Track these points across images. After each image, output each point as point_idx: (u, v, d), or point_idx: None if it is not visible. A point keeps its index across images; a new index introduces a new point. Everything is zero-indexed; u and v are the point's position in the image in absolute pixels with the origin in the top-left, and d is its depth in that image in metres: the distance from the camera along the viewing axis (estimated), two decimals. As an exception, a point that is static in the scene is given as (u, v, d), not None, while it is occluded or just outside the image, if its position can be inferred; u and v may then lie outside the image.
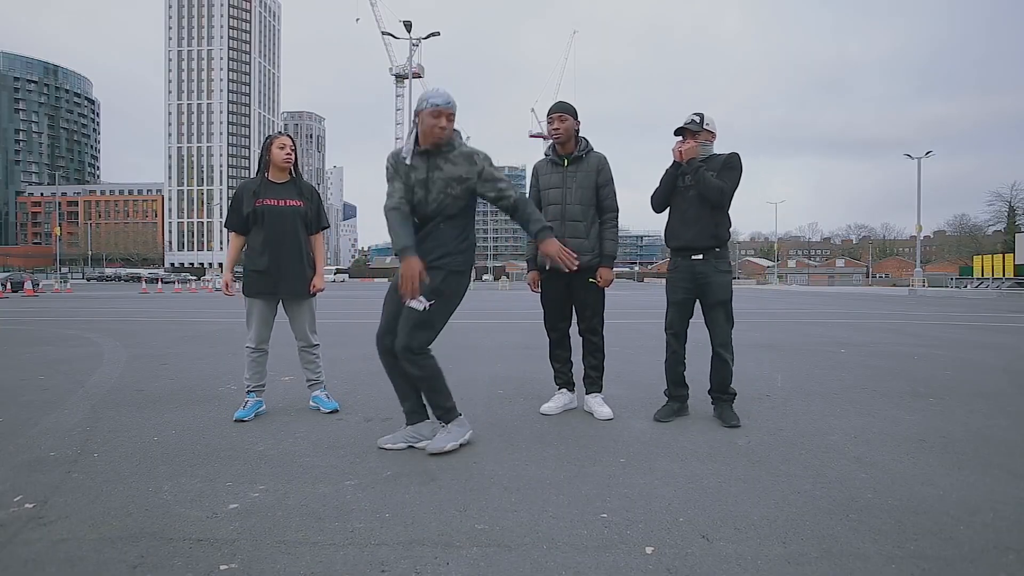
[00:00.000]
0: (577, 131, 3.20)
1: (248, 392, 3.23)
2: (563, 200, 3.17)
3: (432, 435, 2.64)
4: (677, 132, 3.17)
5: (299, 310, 3.33)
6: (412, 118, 2.57)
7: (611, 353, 5.92)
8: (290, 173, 3.28)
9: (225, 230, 3.32)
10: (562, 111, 3.15)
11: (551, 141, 3.26)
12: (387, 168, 2.63)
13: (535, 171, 3.35)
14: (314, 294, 3.34)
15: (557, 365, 3.42)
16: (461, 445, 2.61)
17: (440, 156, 2.54)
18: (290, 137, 3.29)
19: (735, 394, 3.19)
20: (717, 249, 3.11)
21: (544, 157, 3.33)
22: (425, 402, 2.65)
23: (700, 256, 3.10)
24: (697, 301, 3.19)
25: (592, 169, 3.17)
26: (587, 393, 3.35)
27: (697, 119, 3.11)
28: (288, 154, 3.21)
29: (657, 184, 3.25)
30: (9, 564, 1.60)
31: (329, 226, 3.49)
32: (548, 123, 3.20)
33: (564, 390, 3.41)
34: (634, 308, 14.38)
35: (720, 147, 3.12)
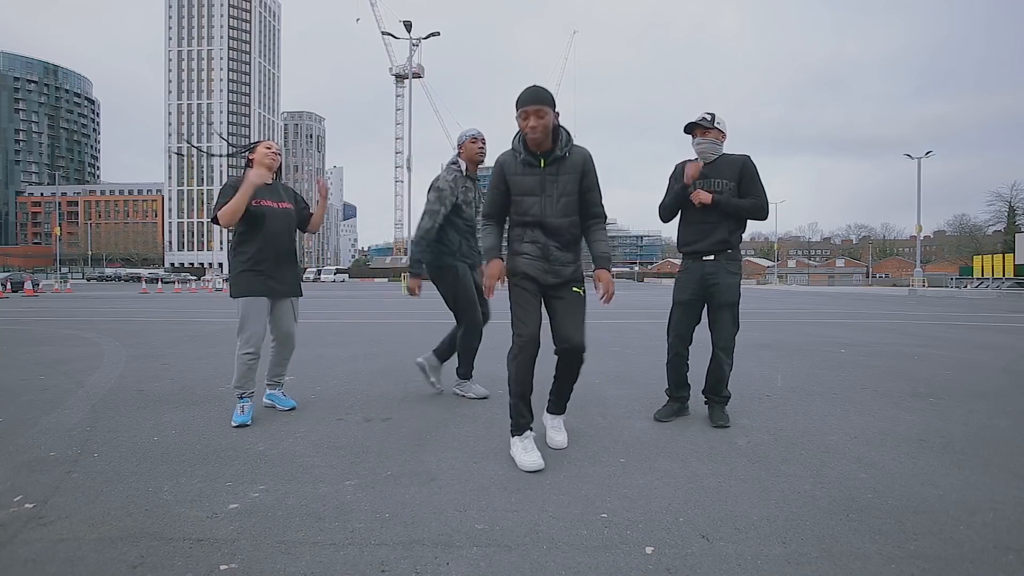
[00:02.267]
0: (556, 124, 2.48)
1: (241, 398, 3.14)
2: (543, 212, 2.53)
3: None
4: (687, 129, 3.11)
5: (285, 310, 3.29)
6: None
7: (611, 353, 5.93)
8: (275, 177, 3.31)
9: (213, 224, 3.18)
10: (540, 103, 2.42)
11: (520, 133, 2.53)
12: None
13: (501, 169, 2.58)
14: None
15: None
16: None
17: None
18: (273, 142, 3.35)
19: (729, 396, 3.17)
20: (729, 251, 3.09)
21: (511, 150, 2.56)
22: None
23: (711, 257, 3.09)
24: (704, 304, 3.16)
25: (577, 170, 2.53)
26: (548, 412, 2.81)
27: (709, 117, 3.05)
28: (276, 153, 3.26)
29: (665, 195, 3.22)
30: (9, 564, 1.60)
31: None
32: (521, 118, 2.45)
33: (528, 431, 2.58)
34: (634, 308, 14.37)
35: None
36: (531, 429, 2.54)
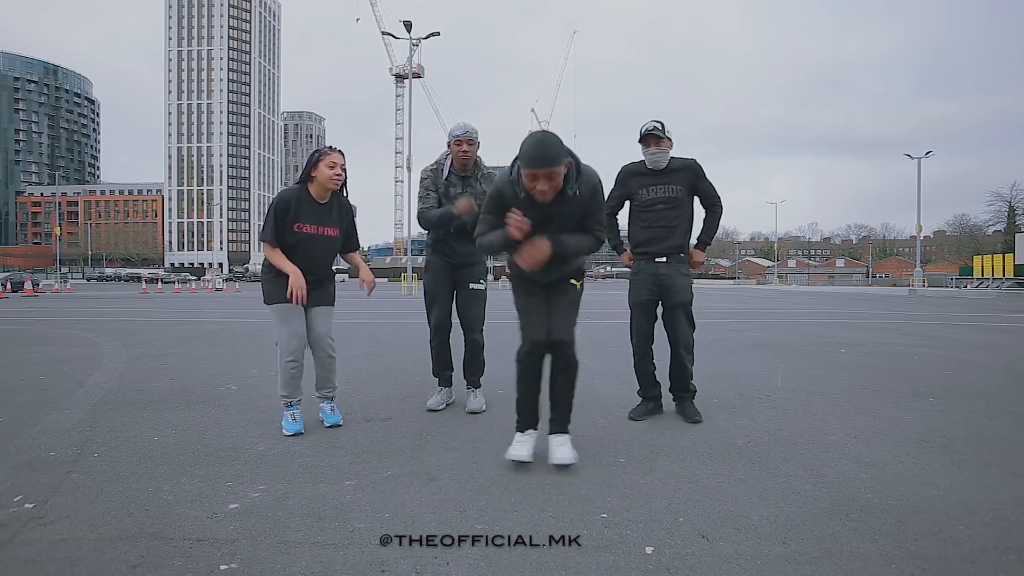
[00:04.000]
0: (567, 174, 2.24)
1: (289, 406, 2.95)
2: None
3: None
4: (642, 139, 3.17)
5: (316, 318, 3.02)
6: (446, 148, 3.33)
7: (611, 353, 5.93)
8: (334, 192, 2.96)
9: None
10: (551, 165, 2.12)
11: (515, 175, 2.26)
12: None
13: (501, 199, 2.34)
14: (370, 292, 3.24)
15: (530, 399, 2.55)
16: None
17: (472, 177, 3.31)
18: (342, 154, 2.93)
19: (696, 391, 3.29)
20: (680, 254, 3.20)
21: (510, 182, 2.29)
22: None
23: (663, 259, 3.18)
24: (659, 303, 3.24)
25: (584, 203, 2.35)
26: (549, 433, 2.55)
27: (660, 126, 3.15)
28: (338, 175, 2.87)
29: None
30: (9, 564, 1.60)
31: (359, 248, 3.27)
32: (528, 179, 2.17)
33: (531, 430, 2.54)
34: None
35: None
36: (535, 429, 2.52)
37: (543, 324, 2.43)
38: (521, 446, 2.45)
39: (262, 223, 2.97)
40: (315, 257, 2.95)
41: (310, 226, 2.89)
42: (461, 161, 3.27)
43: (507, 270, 2.60)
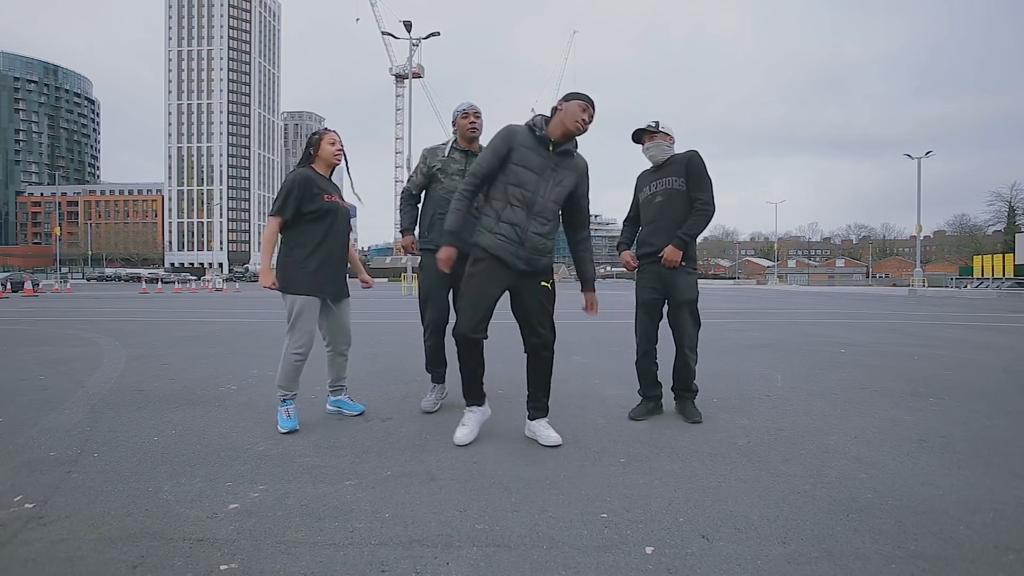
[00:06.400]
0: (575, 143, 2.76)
1: (284, 400, 2.95)
2: (536, 191, 2.62)
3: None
4: (635, 136, 3.24)
5: (343, 311, 3.16)
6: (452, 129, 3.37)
7: (611, 353, 5.93)
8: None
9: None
10: (594, 108, 2.68)
11: (538, 118, 2.70)
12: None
13: (510, 135, 2.66)
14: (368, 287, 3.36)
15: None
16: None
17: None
18: (337, 134, 3.15)
19: (697, 391, 3.28)
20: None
21: (527, 125, 2.71)
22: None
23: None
24: (665, 302, 3.25)
25: (578, 171, 2.74)
26: (532, 420, 2.82)
27: (654, 124, 3.21)
28: (339, 150, 3.06)
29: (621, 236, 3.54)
30: (9, 564, 1.60)
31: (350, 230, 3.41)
32: (579, 109, 2.64)
33: (475, 406, 2.85)
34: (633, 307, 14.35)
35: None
36: (479, 405, 2.83)
37: (474, 320, 2.61)
38: (462, 428, 2.76)
39: (274, 200, 2.94)
40: (341, 232, 3.05)
41: (335, 196, 3.02)
42: (469, 134, 3.30)
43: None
